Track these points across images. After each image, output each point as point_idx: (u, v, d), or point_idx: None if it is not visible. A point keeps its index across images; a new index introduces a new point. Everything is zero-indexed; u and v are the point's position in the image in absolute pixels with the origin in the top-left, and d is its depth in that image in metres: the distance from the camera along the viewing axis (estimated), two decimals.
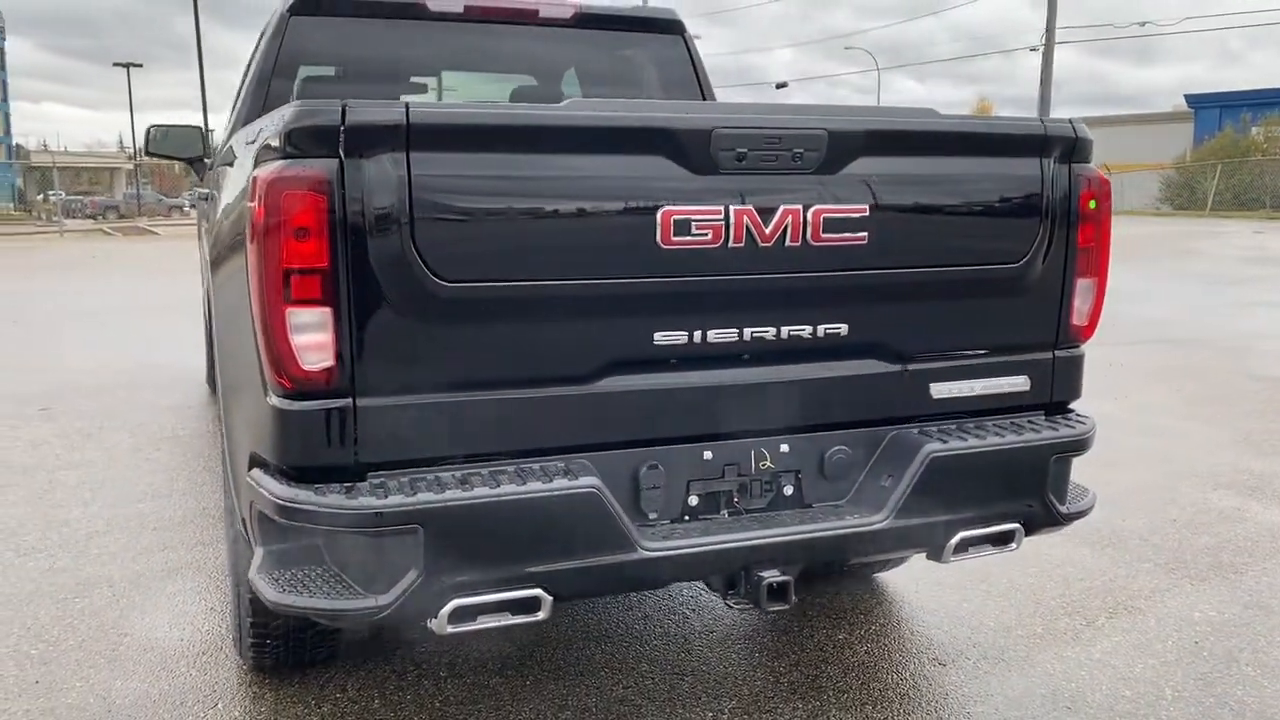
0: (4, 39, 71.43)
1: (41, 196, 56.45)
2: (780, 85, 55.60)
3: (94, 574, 3.82)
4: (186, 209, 51.39)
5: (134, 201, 52.69)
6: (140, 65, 59.06)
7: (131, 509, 4.56)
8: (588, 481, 2.18)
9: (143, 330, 10.03)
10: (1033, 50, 33.64)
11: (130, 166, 66.91)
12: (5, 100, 72.51)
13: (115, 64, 64.46)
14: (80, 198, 55.91)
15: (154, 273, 16.85)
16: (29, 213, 51.26)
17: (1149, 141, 46.10)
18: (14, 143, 76.60)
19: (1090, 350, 2.78)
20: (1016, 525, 2.59)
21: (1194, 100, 50.59)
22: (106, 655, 3.18)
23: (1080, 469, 2.72)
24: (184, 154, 5.29)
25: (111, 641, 3.27)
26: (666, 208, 2.20)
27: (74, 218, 43.40)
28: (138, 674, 3.06)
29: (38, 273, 17.46)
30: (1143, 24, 54.43)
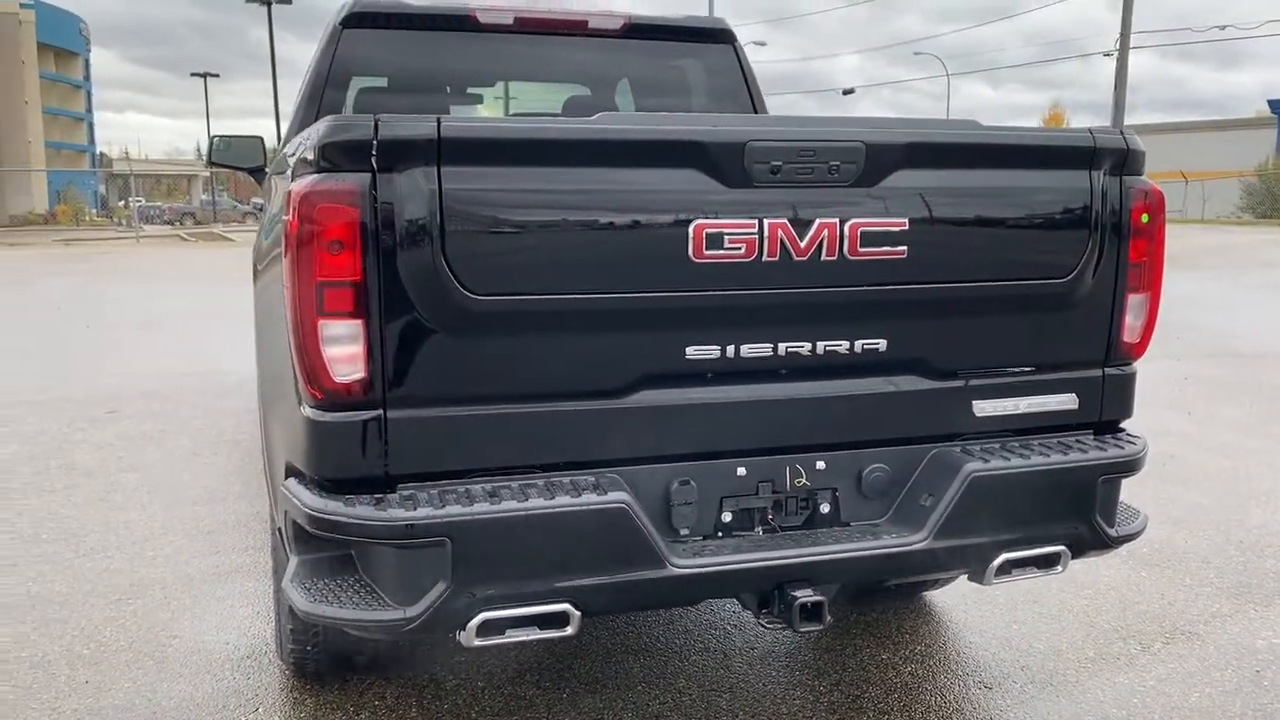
0: (89, 51, 73.81)
1: (122, 203, 58.21)
2: (847, 91, 55.24)
3: (147, 576, 3.90)
4: (259, 215, 52.48)
5: (209, 208, 54.01)
6: (217, 75, 60.81)
7: (187, 511, 4.66)
8: (617, 496, 2.17)
9: (208, 336, 10.24)
10: (1107, 55, 32.90)
11: (207, 173, 68.68)
12: (90, 110, 74.92)
13: (193, 74, 66.35)
14: (158, 204, 57.55)
15: (224, 279, 17.21)
16: (110, 218, 52.85)
17: (1230, 148, 44.78)
18: (98, 151, 79.16)
19: (1160, 363, 2.71)
20: (1062, 548, 2.51)
21: (1277, 105, 49.09)
22: (155, 657, 3.24)
23: (1143, 487, 2.63)
24: (245, 164, 5.38)
25: (160, 643, 3.33)
26: (699, 221, 2.17)
27: (151, 224, 44.63)
28: (184, 676, 3.11)
29: (113, 277, 17.96)
30: (1223, 27, 52.76)
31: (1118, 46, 30.31)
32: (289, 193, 2.10)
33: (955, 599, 3.65)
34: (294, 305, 2.09)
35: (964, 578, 2.88)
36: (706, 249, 2.18)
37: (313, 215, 2.02)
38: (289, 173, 2.22)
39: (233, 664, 3.19)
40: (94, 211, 56.05)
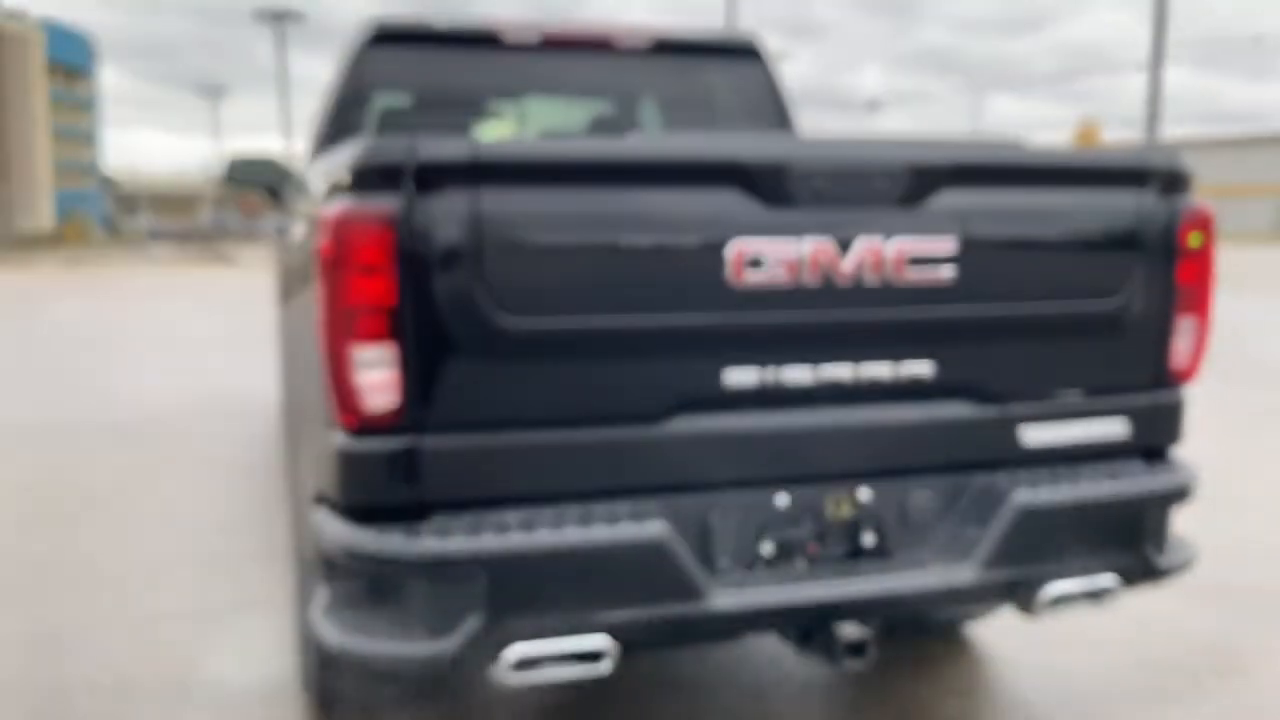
0: (98, 70, 74.26)
1: (129, 221, 58.50)
2: (873, 105, 55.38)
3: (166, 606, 3.82)
4: (277, 236, 52.85)
5: (217, 227, 54.21)
6: (226, 93, 61.32)
7: (203, 541, 4.58)
8: (654, 526, 2.10)
9: (221, 359, 10.21)
10: (1140, 71, 32.59)
11: (214, 192, 69.04)
12: (97, 129, 75.27)
13: (200, 91, 66.62)
14: (165, 223, 57.82)
15: (233, 300, 17.24)
16: (118, 237, 53.05)
17: (1264, 162, 44.28)
18: (105, 169, 79.51)
19: (1198, 387, 2.63)
20: (1112, 578, 2.44)
21: None
22: (176, 688, 3.16)
23: (1186, 516, 2.56)
24: (263, 183, 5.36)
25: (182, 674, 3.26)
26: (739, 243, 2.12)
27: (158, 242, 44.70)
28: (207, 708, 3.03)
29: (124, 299, 17.96)
30: (1257, 39, 52.48)
31: (1151, 59, 30.02)
32: (322, 216, 2.04)
33: (996, 631, 3.56)
34: (326, 330, 2.03)
35: (1005, 609, 2.82)
36: (747, 271, 2.12)
37: (346, 239, 1.97)
38: (322, 195, 2.16)
39: (255, 696, 3.11)
40: (101, 230, 56.23)
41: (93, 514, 4.98)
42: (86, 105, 71.67)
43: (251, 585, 4.00)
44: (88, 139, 72.23)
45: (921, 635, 3.53)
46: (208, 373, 9.25)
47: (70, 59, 66.20)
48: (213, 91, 61.10)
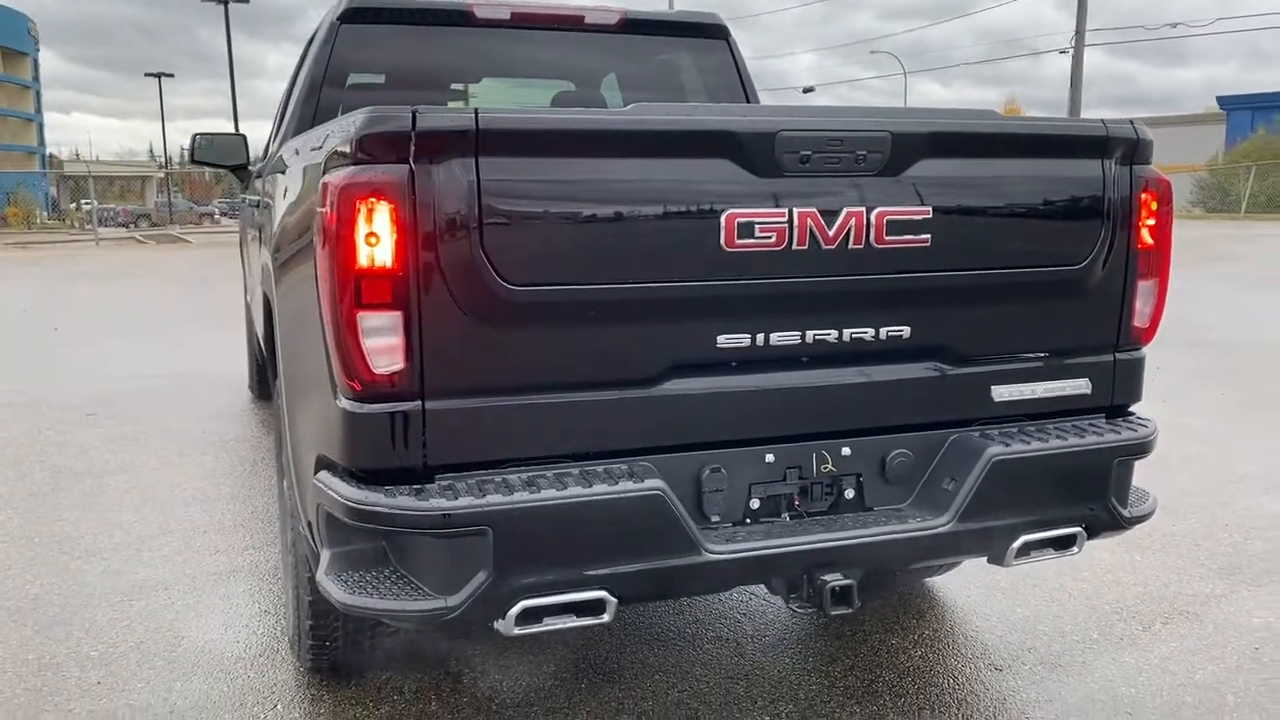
0: (38, 51, 72.46)
1: (74, 205, 57.35)
2: (807, 90, 55.64)
3: (148, 577, 3.86)
4: (217, 216, 52.10)
5: (165, 210, 53.28)
6: (172, 75, 60.36)
7: (181, 513, 4.61)
8: (652, 484, 2.19)
9: (181, 337, 10.13)
10: (1062, 53, 33.27)
11: (161, 175, 67.86)
12: (39, 111, 73.53)
13: (147, 74, 65.42)
14: (112, 206, 56.68)
15: (189, 280, 17.02)
16: (63, 221, 51.94)
17: (1180, 143, 45.51)
18: (47, 152, 77.71)
19: None
20: (1079, 529, 2.58)
21: (1226, 102, 50.12)
22: (165, 657, 3.21)
23: None
24: (228, 161, 5.39)
25: (169, 643, 3.31)
26: (730, 210, 2.20)
27: (106, 226, 43.85)
28: (197, 675, 3.09)
29: (76, 281, 17.64)
30: (1174, 25, 53.88)
31: (1073, 44, 30.79)
32: (325, 185, 2.09)
33: (958, 583, 3.72)
34: (330, 298, 2.09)
35: (971, 561, 2.94)
36: (738, 238, 2.21)
37: (351, 207, 2.02)
38: (322, 165, 2.21)
39: (245, 662, 3.17)
40: (45, 214, 55.00)
41: (70, 487, 4.98)
42: (28, 87, 69.97)
43: (232, 553, 4.04)
44: (30, 122, 70.56)
45: (891, 588, 3.66)
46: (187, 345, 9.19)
47: (10, 41, 64.57)
48: (157, 74, 59.93)
